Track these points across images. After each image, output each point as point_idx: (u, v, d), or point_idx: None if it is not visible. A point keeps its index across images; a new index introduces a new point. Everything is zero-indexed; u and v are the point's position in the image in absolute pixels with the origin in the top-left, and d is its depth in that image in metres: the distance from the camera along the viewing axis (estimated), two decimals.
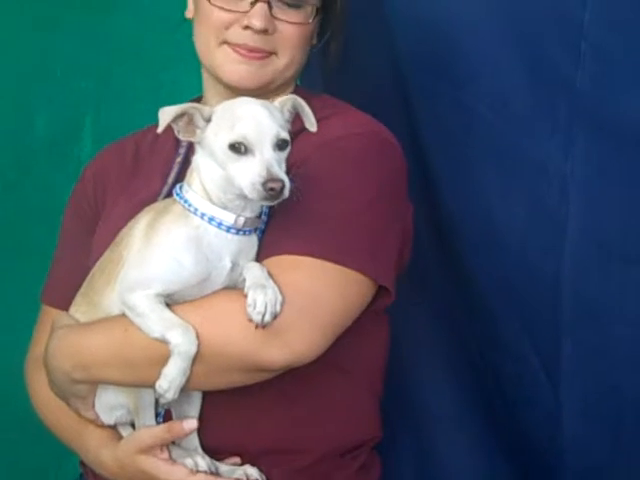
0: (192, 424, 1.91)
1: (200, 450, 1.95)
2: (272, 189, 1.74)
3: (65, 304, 2.08)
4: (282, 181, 1.74)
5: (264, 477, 1.95)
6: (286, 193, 1.75)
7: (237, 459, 1.97)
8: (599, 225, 2.00)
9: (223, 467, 1.94)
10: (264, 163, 1.75)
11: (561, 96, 2.01)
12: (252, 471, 1.94)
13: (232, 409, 1.96)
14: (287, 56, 2.10)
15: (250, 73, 2.07)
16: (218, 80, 2.12)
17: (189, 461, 1.90)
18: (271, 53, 2.09)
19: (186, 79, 2.42)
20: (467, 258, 2.22)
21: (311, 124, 1.89)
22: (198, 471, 1.89)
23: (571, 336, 2.04)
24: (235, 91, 2.05)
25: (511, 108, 2.08)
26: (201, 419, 1.94)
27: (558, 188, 2.01)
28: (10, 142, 2.99)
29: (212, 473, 1.90)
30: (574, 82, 1.98)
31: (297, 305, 1.82)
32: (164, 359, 1.80)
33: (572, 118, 1.99)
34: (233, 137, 1.77)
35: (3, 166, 2.96)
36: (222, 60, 2.09)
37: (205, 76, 2.20)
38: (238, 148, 1.77)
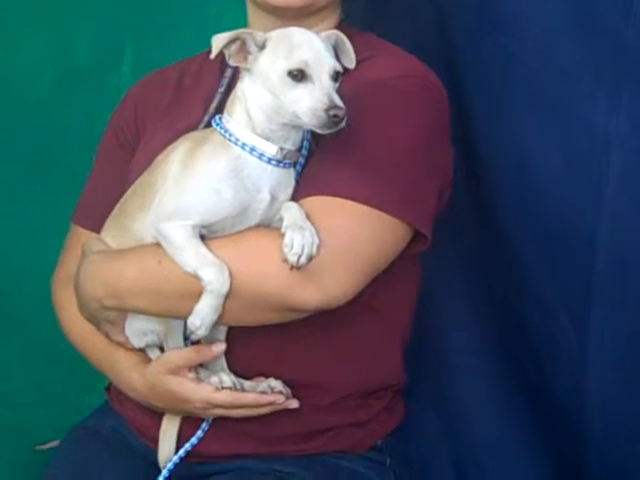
0: (220, 347, 1.95)
1: (227, 370, 1.98)
2: (336, 116, 1.74)
3: (95, 226, 2.10)
4: (344, 109, 1.75)
5: (288, 389, 1.98)
6: (344, 122, 1.75)
7: (262, 378, 1.99)
8: (639, 181, 1.98)
9: (247, 384, 1.97)
10: (325, 90, 1.76)
11: (608, 49, 1.97)
12: (276, 383, 1.97)
13: (261, 339, 1.98)
14: None
15: None
16: (263, 7, 2.09)
17: (214, 379, 1.94)
18: None
19: (229, 13, 2.42)
20: (501, 204, 2.21)
21: (350, 61, 1.89)
22: (223, 388, 1.93)
23: (602, 290, 2.03)
24: (280, 17, 2.05)
25: (554, 56, 2.05)
26: (230, 347, 1.97)
27: (600, 141, 1.98)
28: (50, 69, 2.98)
29: (237, 389, 1.94)
30: (623, 36, 1.94)
31: (334, 248, 1.82)
32: (197, 293, 1.81)
33: (619, 72, 1.96)
34: (294, 63, 1.77)
35: (42, 93, 2.95)
36: None
37: (250, 7, 2.18)
38: (296, 75, 1.77)
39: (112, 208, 2.05)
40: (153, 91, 2.27)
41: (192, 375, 1.95)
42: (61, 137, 2.94)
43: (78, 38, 2.98)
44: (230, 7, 2.38)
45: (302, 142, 1.90)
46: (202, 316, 1.81)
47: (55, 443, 2.53)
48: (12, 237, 2.92)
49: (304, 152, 1.92)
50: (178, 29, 2.92)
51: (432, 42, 2.34)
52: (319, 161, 1.91)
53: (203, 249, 1.82)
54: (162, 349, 2.01)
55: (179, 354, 1.96)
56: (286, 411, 1.98)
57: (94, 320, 2.02)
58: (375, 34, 2.18)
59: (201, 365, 1.98)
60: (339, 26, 2.13)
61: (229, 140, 1.85)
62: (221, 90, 2.11)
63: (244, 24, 2.22)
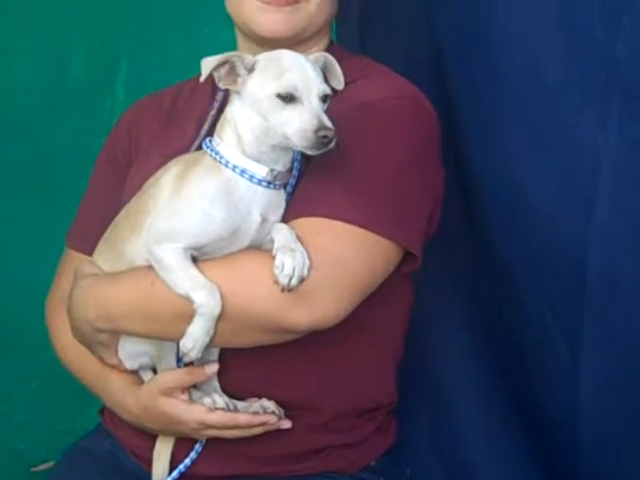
0: (213, 368, 1.95)
1: (219, 390, 1.99)
2: (325, 136, 1.75)
3: (88, 249, 2.10)
4: (333, 130, 1.76)
5: (281, 410, 1.98)
6: (334, 143, 1.76)
7: (254, 398, 1.99)
8: (629, 200, 1.99)
9: (240, 404, 1.98)
10: (314, 112, 1.77)
11: (597, 68, 1.97)
12: (268, 404, 1.98)
13: (253, 360, 1.98)
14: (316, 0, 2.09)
15: (283, 22, 2.07)
16: (252, 35, 2.11)
17: (207, 400, 1.94)
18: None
19: (221, 36, 2.42)
20: (492, 223, 2.21)
21: (338, 82, 1.90)
22: (216, 408, 1.93)
23: (593, 307, 2.03)
24: (269, 45, 2.04)
25: (544, 76, 2.05)
26: (223, 368, 1.97)
27: (590, 160, 1.99)
28: (44, 90, 3.01)
29: (230, 410, 1.94)
30: (613, 54, 1.95)
31: (324, 270, 1.83)
32: (189, 316, 1.81)
33: (609, 91, 1.96)
34: (283, 86, 1.78)
35: (36, 114, 2.98)
36: (252, 12, 2.08)
37: (238, 35, 2.20)
38: (285, 97, 1.78)
39: (104, 231, 2.05)
40: (146, 114, 2.29)
41: (185, 396, 1.95)
42: (54, 158, 2.97)
43: (71, 59, 3.02)
44: (222, 30, 2.38)
45: (292, 163, 1.91)
46: (194, 338, 1.82)
47: (49, 465, 2.53)
48: (6, 259, 2.93)
49: (295, 173, 1.93)
50: (171, 50, 2.96)
51: (424, 63, 2.34)
52: (310, 182, 1.92)
53: (195, 271, 1.82)
54: (155, 371, 2.02)
55: (172, 375, 1.96)
56: (280, 431, 1.98)
57: (87, 343, 2.03)
58: (368, 55, 2.19)
59: (194, 386, 1.98)
60: (329, 48, 2.15)
61: (220, 162, 1.86)
62: (213, 113, 2.12)
63: (235, 48, 2.23)
